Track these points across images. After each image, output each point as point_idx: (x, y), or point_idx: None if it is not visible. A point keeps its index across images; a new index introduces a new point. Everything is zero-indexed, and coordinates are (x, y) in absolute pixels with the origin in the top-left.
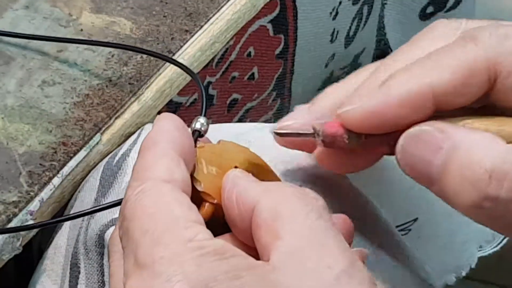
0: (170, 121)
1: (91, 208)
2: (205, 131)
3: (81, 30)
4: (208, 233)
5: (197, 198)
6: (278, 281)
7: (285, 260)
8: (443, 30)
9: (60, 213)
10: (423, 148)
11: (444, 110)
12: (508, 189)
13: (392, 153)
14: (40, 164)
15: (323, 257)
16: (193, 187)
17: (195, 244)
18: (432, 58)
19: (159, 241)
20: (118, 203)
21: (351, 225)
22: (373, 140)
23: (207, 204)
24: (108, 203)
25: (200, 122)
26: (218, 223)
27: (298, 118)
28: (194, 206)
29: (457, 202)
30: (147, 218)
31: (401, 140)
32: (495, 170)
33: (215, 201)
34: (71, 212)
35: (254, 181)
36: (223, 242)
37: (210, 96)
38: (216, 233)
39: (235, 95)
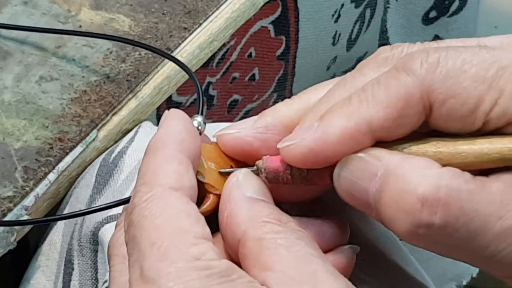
0: (178, 120)
1: (85, 209)
2: (203, 130)
3: (80, 26)
4: (214, 252)
5: (201, 191)
6: None
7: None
8: (386, 56)
9: (55, 209)
10: (359, 175)
11: (384, 142)
12: (442, 215)
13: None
14: (36, 160)
15: (319, 285)
16: (197, 181)
17: (202, 264)
18: (367, 91)
19: (167, 256)
20: (112, 205)
21: (344, 224)
22: (314, 173)
23: (211, 195)
24: (102, 205)
25: (197, 121)
26: None
27: (241, 129)
28: (202, 218)
29: (394, 229)
30: (155, 230)
31: (337, 169)
32: (428, 198)
33: (219, 192)
34: (67, 209)
35: (247, 200)
36: (228, 264)
37: (210, 96)
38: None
39: (235, 96)
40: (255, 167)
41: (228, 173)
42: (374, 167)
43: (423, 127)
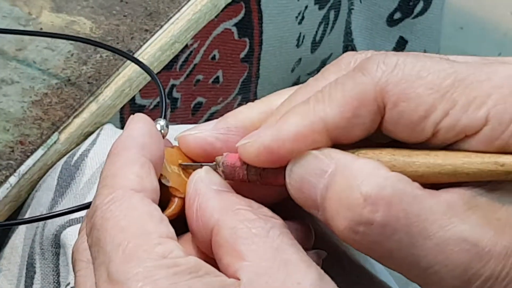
0: (141, 124)
1: (46, 214)
2: (166, 134)
3: (41, 29)
4: (180, 250)
5: (165, 195)
6: None
7: (255, 279)
8: (349, 61)
9: (17, 212)
10: (310, 171)
11: (342, 144)
12: (383, 214)
13: None
14: None
15: (290, 274)
16: (161, 185)
17: (169, 262)
18: (324, 91)
19: (133, 256)
20: (73, 210)
21: (309, 228)
22: (270, 172)
23: (176, 199)
24: (63, 210)
25: (160, 125)
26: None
27: (203, 130)
28: (165, 218)
29: (334, 226)
30: (119, 232)
31: (290, 164)
32: (371, 195)
33: (183, 195)
34: (28, 212)
35: (214, 192)
36: (196, 260)
37: (174, 99)
38: (185, 228)
39: (199, 99)
40: (214, 163)
41: (190, 169)
42: (325, 164)
43: (382, 137)
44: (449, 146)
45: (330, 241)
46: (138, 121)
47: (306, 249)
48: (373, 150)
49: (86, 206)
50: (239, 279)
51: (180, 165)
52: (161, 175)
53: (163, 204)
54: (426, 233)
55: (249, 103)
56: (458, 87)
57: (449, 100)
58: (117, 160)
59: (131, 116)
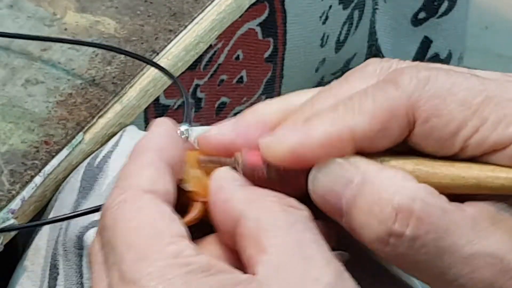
0: (161, 128)
1: (70, 213)
2: (187, 138)
3: (65, 29)
4: (192, 249)
5: (187, 200)
6: None
7: (271, 275)
8: (375, 68)
9: (41, 212)
10: (334, 180)
11: (365, 153)
12: (413, 227)
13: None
14: (22, 163)
15: (309, 270)
16: (181, 190)
17: (182, 261)
18: (353, 100)
19: (145, 256)
20: (97, 209)
21: (333, 228)
22: (291, 174)
23: (198, 203)
24: (87, 209)
25: (181, 129)
26: (208, 221)
27: (223, 128)
28: (176, 217)
29: (363, 235)
30: (130, 232)
31: (314, 171)
32: (402, 208)
33: (206, 199)
34: (52, 213)
35: (238, 186)
36: (208, 258)
37: (198, 99)
38: (206, 231)
39: (223, 99)
40: (233, 159)
41: (210, 168)
42: (351, 173)
43: (403, 146)
44: (471, 158)
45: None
46: (159, 125)
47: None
48: (396, 158)
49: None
50: (255, 274)
51: (199, 161)
52: (182, 179)
53: (185, 209)
54: (454, 247)
55: (267, 100)
56: (488, 104)
57: (479, 117)
58: (133, 162)
59: (154, 120)
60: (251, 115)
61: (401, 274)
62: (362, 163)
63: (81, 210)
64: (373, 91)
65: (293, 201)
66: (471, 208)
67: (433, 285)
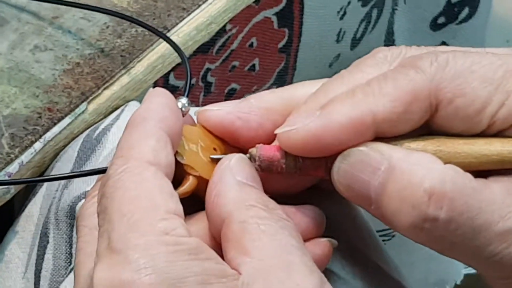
0: (161, 98)
1: (71, 173)
2: (186, 112)
3: None
4: (185, 229)
5: (180, 172)
6: None
7: (255, 277)
8: (385, 55)
9: None
10: (360, 169)
11: (385, 137)
12: (448, 210)
13: (328, 176)
14: (24, 128)
15: (292, 276)
16: (176, 162)
17: (171, 239)
18: (373, 84)
19: (136, 227)
20: (96, 171)
21: (322, 215)
22: (310, 163)
23: (191, 177)
24: (87, 170)
25: (181, 102)
26: (200, 197)
27: (224, 107)
28: (175, 194)
29: (396, 223)
30: (127, 202)
31: (338, 161)
32: (434, 191)
33: (198, 174)
34: (46, 183)
35: (237, 183)
36: (197, 242)
37: (208, 83)
38: (198, 207)
39: (234, 85)
40: (247, 155)
41: (217, 159)
42: (377, 160)
43: (421, 128)
44: (499, 133)
45: (347, 235)
46: (158, 94)
47: (318, 236)
48: (416, 141)
49: (104, 170)
50: (240, 274)
51: (211, 159)
52: (177, 152)
53: (177, 181)
54: (488, 224)
55: (273, 89)
56: (509, 78)
57: (503, 91)
58: (134, 131)
59: (150, 89)
60: (255, 100)
61: (393, 272)
62: (386, 148)
63: (82, 171)
64: (393, 75)
65: (281, 212)
66: (497, 184)
67: (470, 263)
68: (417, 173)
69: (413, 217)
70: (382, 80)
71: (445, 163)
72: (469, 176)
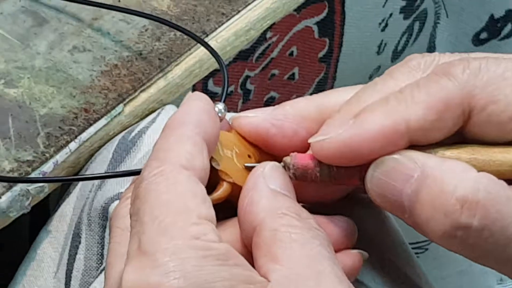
0: (199, 102)
1: (106, 173)
2: (223, 117)
3: (119, 1)
4: (216, 234)
5: (214, 178)
6: None
7: (284, 284)
8: (418, 62)
9: None
10: (393, 177)
11: (419, 145)
12: (481, 218)
13: (363, 184)
14: (59, 127)
15: (321, 284)
16: (211, 168)
17: (201, 244)
18: (405, 92)
19: (167, 231)
20: (132, 173)
21: (353, 226)
22: (344, 172)
23: (225, 183)
24: (121, 171)
25: (218, 108)
26: (234, 203)
27: (259, 114)
28: (208, 200)
29: (429, 231)
30: (159, 205)
31: (371, 170)
32: (467, 199)
33: (232, 180)
34: (81, 183)
35: (270, 191)
36: (228, 248)
37: (247, 90)
38: (230, 213)
39: (273, 93)
40: (282, 163)
41: (251, 167)
42: (410, 168)
43: (455, 136)
44: None
45: (380, 248)
46: (197, 99)
47: (349, 247)
48: (450, 149)
49: (138, 172)
50: (269, 281)
51: (245, 167)
52: (212, 157)
53: (211, 186)
54: None
55: (308, 96)
56: None
57: None
58: (171, 134)
59: (189, 93)
60: (290, 107)
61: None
62: (419, 156)
63: (117, 172)
64: (425, 83)
65: (313, 222)
66: None
67: (503, 271)
68: (450, 181)
69: (445, 225)
70: (414, 88)
71: (480, 171)
72: (503, 184)
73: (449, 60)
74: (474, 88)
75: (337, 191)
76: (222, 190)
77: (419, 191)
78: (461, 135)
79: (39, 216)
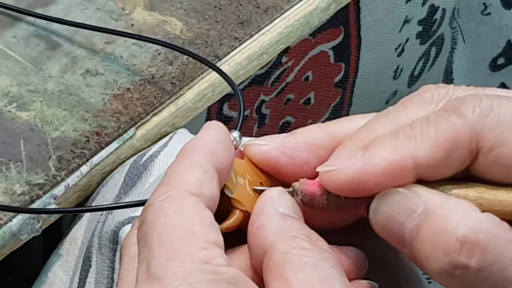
0: (215, 131)
1: (112, 204)
2: (237, 145)
3: (132, 25)
4: (224, 259)
5: (227, 206)
6: None
7: None
8: (432, 94)
9: (84, 203)
10: (397, 210)
11: (426, 181)
12: (479, 259)
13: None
14: (71, 151)
15: None
16: (224, 195)
17: (210, 268)
18: (415, 128)
19: (175, 256)
20: (138, 203)
21: (364, 257)
22: (351, 202)
23: (237, 211)
24: (128, 202)
25: (233, 136)
26: (243, 230)
27: (270, 142)
28: (216, 226)
29: (427, 267)
30: (167, 230)
31: (375, 201)
32: (467, 239)
33: (245, 208)
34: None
35: (279, 214)
36: (237, 272)
37: (263, 115)
38: (239, 241)
39: (288, 118)
40: (290, 188)
41: (261, 191)
42: (413, 203)
43: (463, 173)
44: None
45: (387, 271)
46: (213, 128)
47: (359, 278)
48: (458, 187)
49: (143, 203)
50: None
51: (254, 190)
52: (225, 185)
53: (224, 215)
54: None
55: (320, 123)
56: None
57: None
58: (183, 161)
59: (208, 122)
60: (301, 136)
61: None
62: (425, 192)
63: (123, 202)
64: (435, 119)
65: (323, 244)
66: None
67: None
68: (451, 220)
69: (443, 263)
70: (424, 123)
71: (486, 210)
72: (505, 226)
73: (463, 94)
74: (484, 128)
75: (347, 218)
76: (235, 219)
77: (420, 226)
78: (468, 172)
79: (53, 239)
